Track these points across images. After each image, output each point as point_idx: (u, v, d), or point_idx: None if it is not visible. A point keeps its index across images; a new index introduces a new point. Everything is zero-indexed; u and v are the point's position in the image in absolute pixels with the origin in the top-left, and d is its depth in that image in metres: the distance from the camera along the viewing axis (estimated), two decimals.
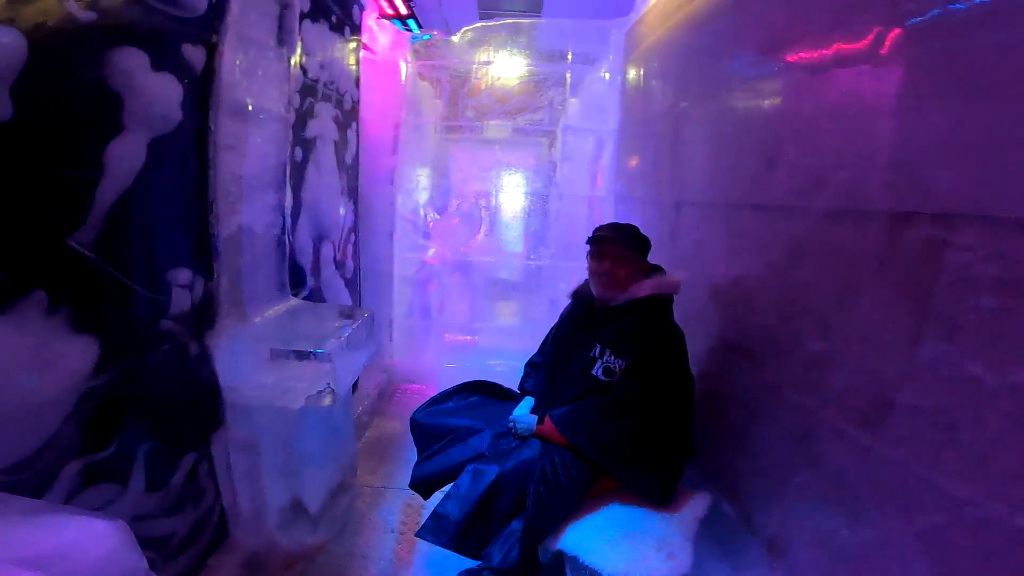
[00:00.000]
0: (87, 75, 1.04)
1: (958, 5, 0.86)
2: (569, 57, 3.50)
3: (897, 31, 0.98)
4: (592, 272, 1.63)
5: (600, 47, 3.40)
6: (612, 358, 1.48)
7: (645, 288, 1.54)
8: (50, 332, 0.97)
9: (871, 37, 1.04)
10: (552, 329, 1.88)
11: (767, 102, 1.45)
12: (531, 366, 1.91)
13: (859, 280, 1.01)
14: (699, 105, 1.93)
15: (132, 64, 1.14)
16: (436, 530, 1.46)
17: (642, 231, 1.65)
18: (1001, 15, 0.79)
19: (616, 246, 1.59)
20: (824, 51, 1.20)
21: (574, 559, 1.36)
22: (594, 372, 1.50)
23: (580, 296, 1.73)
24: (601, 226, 1.68)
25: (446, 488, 1.53)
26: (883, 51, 1.01)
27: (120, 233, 1.12)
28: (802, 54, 1.29)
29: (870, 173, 1.02)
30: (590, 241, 1.64)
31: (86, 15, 1.01)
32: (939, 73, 0.89)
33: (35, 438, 0.94)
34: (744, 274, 1.51)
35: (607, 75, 3.36)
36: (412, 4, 3.77)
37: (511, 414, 1.66)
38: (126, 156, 1.15)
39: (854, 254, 1.04)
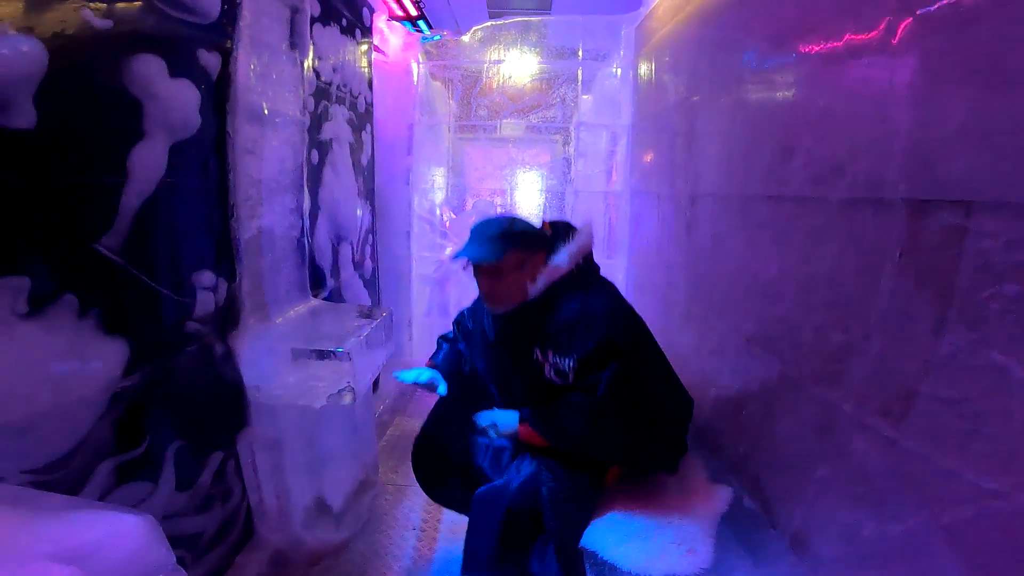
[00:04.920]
0: (107, 82, 1.06)
1: None
2: (580, 54, 3.50)
3: (909, 18, 0.96)
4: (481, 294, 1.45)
5: (611, 43, 3.39)
6: (558, 358, 1.34)
7: (560, 268, 1.37)
8: (82, 335, 1.00)
9: (883, 25, 1.03)
10: (467, 319, 1.72)
11: (780, 93, 1.43)
12: (444, 339, 1.80)
13: (879, 269, 0.99)
14: (712, 98, 1.91)
15: (150, 70, 1.17)
16: (475, 567, 1.41)
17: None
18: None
19: (484, 264, 1.39)
20: (836, 40, 1.18)
21: (593, 555, 1.37)
22: (548, 375, 1.36)
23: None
24: (468, 241, 1.42)
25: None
26: (895, 39, 1.00)
27: (146, 237, 1.15)
28: (814, 44, 1.27)
29: (887, 161, 1.00)
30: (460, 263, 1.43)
31: (102, 23, 1.04)
32: (954, 60, 0.88)
33: (70, 437, 0.98)
34: (762, 266, 1.49)
35: (618, 70, 3.34)
36: (422, 5, 3.80)
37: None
38: (149, 161, 1.18)
39: (873, 243, 1.02)
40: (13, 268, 0.89)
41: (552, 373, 1.34)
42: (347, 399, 1.52)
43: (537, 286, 1.37)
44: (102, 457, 1.05)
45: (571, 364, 1.31)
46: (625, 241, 3.12)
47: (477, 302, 1.60)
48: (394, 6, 3.51)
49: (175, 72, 1.24)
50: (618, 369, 1.30)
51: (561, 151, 3.67)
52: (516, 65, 3.57)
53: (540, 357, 1.36)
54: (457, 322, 1.78)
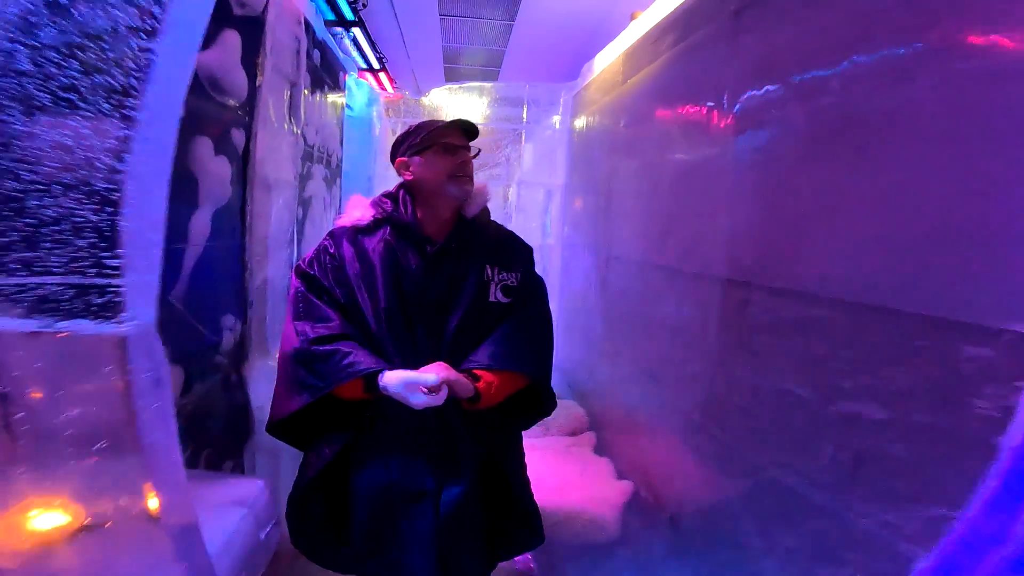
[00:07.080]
0: (179, 162, 1.30)
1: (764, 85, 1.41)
2: (525, 116, 4.06)
3: (733, 136, 1.51)
4: (448, 175, 1.22)
5: (552, 106, 3.92)
6: (506, 275, 1.29)
7: (486, 195, 1.33)
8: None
9: (720, 138, 1.57)
10: (324, 280, 1.30)
11: (664, 184, 1.99)
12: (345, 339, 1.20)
13: (709, 322, 1.54)
14: (624, 178, 2.47)
15: (204, 151, 1.48)
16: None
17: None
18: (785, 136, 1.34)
19: (472, 137, 1.27)
20: (693, 150, 1.74)
21: None
22: (492, 298, 1.27)
23: (397, 224, 1.27)
24: (451, 122, 1.24)
25: None
26: (724, 155, 1.53)
27: (195, 290, 1.52)
28: (681, 150, 1.84)
29: (715, 249, 1.55)
30: (436, 132, 1.23)
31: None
32: (749, 182, 1.43)
33: None
34: (651, 316, 2.04)
35: (558, 123, 3.81)
36: (384, 61, 4.24)
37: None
38: (200, 227, 1.52)
39: (706, 304, 1.56)
40: None
41: (499, 292, 1.28)
42: None
43: (477, 203, 1.31)
44: None
45: (517, 278, 1.30)
46: (558, 288, 3.65)
47: (392, 224, 1.30)
48: (358, 58, 3.90)
49: (217, 150, 1.56)
50: (542, 287, 1.37)
51: (503, 205, 4.19)
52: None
53: (489, 275, 1.28)
54: (321, 287, 1.30)
